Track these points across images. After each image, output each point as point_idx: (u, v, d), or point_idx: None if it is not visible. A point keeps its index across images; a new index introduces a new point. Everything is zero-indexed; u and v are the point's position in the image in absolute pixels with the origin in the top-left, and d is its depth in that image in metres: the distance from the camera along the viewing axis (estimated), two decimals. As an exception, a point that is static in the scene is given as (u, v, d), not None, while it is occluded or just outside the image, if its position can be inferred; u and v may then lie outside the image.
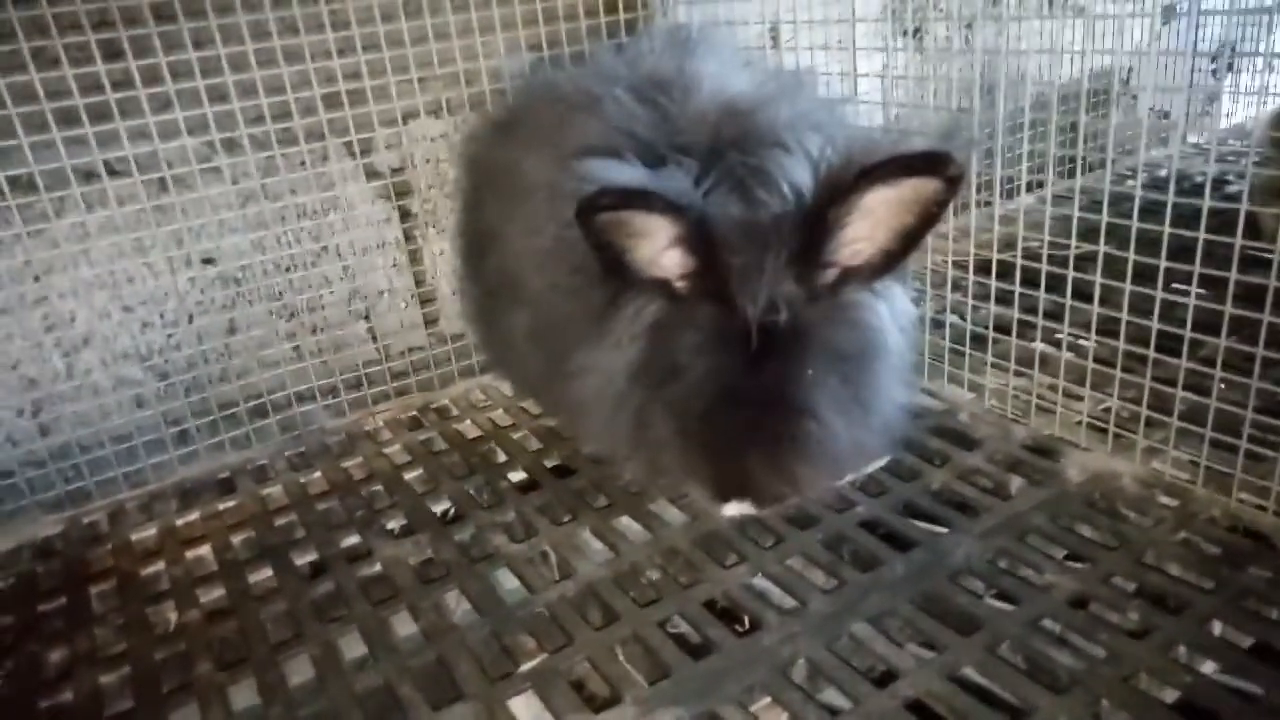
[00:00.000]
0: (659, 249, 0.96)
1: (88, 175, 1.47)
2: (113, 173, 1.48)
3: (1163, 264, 1.22)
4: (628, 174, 0.95)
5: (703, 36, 1.41)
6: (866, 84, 1.68)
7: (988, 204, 2.00)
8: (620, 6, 1.85)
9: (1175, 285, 1.26)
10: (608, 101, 1.14)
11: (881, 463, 1.39)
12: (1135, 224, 1.24)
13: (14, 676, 1.16)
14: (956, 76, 2.21)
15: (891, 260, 1.00)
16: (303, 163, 1.65)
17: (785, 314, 0.97)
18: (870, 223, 0.96)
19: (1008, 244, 1.46)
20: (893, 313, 1.08)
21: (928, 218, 0.96)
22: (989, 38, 2.10)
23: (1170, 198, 1.20)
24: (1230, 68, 2.94)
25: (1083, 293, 1.35)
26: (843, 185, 0.93)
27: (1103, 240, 1.28)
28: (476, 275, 1.46)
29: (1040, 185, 2.08)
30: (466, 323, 1.71)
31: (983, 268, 1.52)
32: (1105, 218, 1.28)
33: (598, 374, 1.08)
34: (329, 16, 1.57)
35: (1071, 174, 2.21)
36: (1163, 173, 2.27)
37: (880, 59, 1.76)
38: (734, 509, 1.23)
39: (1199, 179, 1.94)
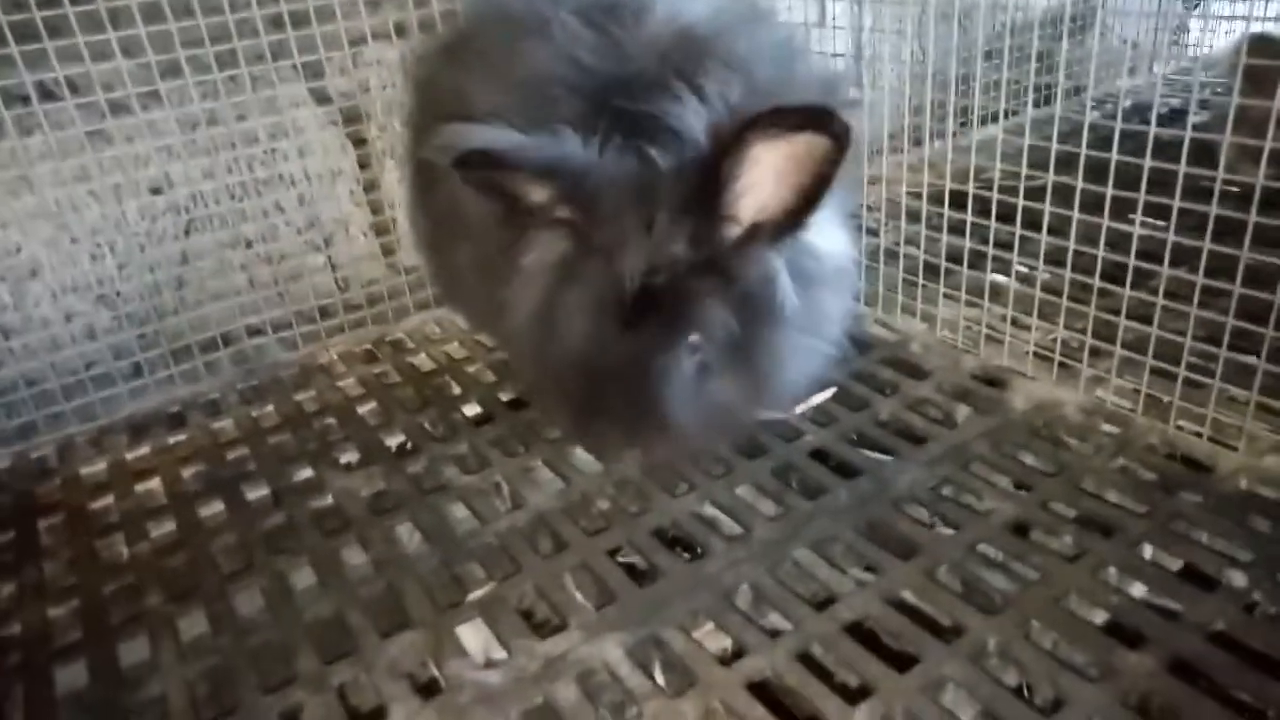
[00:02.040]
0: (550, 201, 0.97)
1: (22, 99, 1.41)
2: (47, 95, 1.43)
3: (1109, 193, 1.22)
4: (500, 138, 0.94)
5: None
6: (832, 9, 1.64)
7: (953, 134, 1.99)
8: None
9: (1131, 215, 1.25)
10: (555, 25, 1.10)
11: (829, 394, 1.40)
12: (1084, 152, 1.24)
13: (-38, 609, 1.16)
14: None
15: (795, 218, 0.98)
16: (248, 87, 1.59)
17: (664, 276, 0.96)
18: (768, 177, 0.94)
19: (969, 174, 1.45)
20: (799, 266, 1.03)
21: (821, 176, 0.93)
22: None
23: (1118, 126, 1.19)
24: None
25: (1038, 223, 1.35)
26: (730, 137, 0.91)
27: (1052, 170, 1.27)
28: (425, 205, 1.43)
29: (1006, 115, 2.06)
30: (418, 254, 1.68)
31: (941, 199, 1.51)
32: (1055, 145, 1.28)
33: (513, 310, 1.08)
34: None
35: (1041, 104, 2.19)
36: (1128, 103, 2.25)
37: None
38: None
39: (1164, 110, 1.93)
